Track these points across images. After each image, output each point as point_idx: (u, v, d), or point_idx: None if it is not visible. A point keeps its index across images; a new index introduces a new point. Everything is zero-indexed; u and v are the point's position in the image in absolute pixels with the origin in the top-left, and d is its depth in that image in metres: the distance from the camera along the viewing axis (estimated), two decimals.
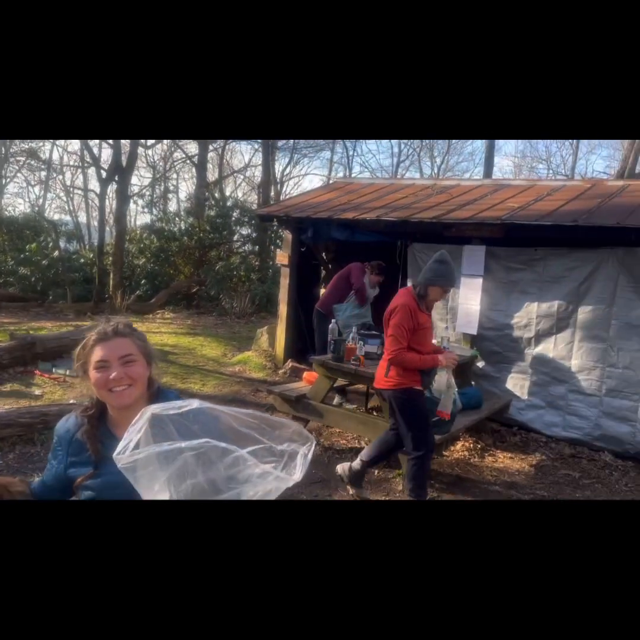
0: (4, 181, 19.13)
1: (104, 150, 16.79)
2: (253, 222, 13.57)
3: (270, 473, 1.17)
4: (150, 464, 1.17)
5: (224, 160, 19.50)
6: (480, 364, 5.12)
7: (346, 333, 4.41)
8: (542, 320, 4.78)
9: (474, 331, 5.06)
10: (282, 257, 6.39)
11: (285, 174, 20.54)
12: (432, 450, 3.24)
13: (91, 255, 13.48)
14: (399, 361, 3.06)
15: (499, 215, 4.71)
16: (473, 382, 4.98)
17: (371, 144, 33.32)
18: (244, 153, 36.60)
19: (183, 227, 13.22)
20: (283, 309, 6.42)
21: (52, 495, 1.55)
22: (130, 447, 1.14)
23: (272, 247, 14.12)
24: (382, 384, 3.23)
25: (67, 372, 5.33)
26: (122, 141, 12.31)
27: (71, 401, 4.27)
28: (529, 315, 4.85)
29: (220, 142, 18.12)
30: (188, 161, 19.25)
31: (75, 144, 19.47)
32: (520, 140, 22.29)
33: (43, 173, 19.75)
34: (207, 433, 1.18)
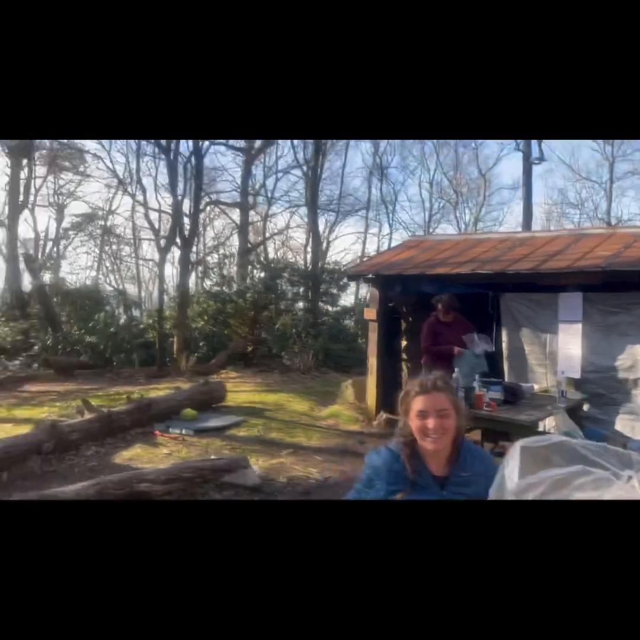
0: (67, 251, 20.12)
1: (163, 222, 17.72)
2: (301, 281, 14.16)
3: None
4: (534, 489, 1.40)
5: (266, 225, 20.40)
6: (585, 407, 5.24)
7: (466, 383, 4.60)
8: None
9: (577, 375, 5.22)
10: (369, 313, 6.70)
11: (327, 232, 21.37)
12: None
13: (150, 321, 14.07)
14: None
15: (597, 263, 4.97)
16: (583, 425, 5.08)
17: (403, 200, 34.06)
18: (284, 216, 37.36)
19: (236, 289, 13.80)
20: (373, 362, 6.66)
21: None
22: (516, 473, 1.38)
23: (321, 303, 14.61)
24: None
25: (183, 432, 5.58)
26: (185, 213, 13.04)
27: (212, 457, 4.50)
28: (633, 357, 5.01)
29: (263, 207, 19.10)
30: (231, 225, 20.19)
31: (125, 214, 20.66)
32: (548, 188, 22.81)
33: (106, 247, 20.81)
34: (569, 461, 1.42)
